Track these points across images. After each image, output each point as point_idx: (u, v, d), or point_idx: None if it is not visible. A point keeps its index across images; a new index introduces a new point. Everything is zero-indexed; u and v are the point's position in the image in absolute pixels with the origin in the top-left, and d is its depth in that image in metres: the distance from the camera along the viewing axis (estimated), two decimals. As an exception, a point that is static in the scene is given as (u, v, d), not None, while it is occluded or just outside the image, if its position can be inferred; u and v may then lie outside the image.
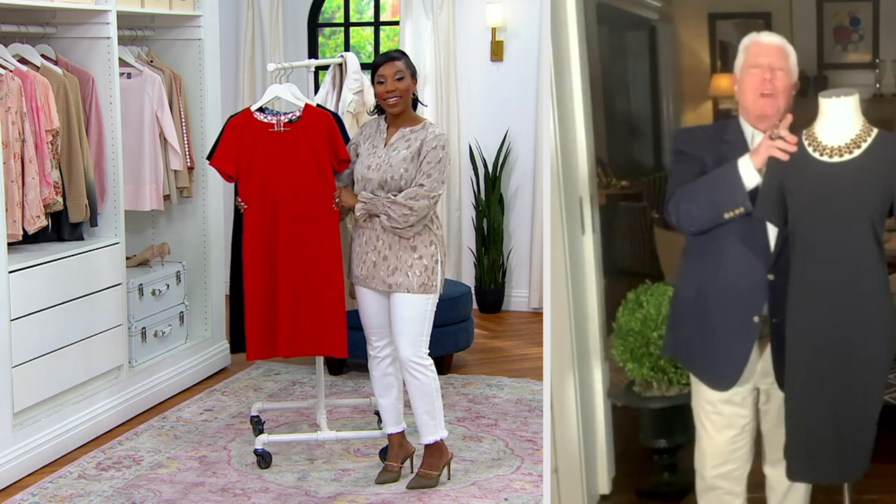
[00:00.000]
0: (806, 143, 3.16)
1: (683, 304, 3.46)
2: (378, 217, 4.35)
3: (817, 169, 3.14)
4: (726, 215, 3.24)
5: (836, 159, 3.13)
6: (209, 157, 4.64)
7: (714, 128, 3.43)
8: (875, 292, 3.13)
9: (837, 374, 3.17)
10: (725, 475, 3.46)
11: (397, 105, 4.37)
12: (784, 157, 3.13)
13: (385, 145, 4.41)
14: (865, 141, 3.12)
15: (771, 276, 3.27)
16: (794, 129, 3.22)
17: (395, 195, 4.32)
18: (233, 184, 4.60)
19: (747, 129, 3.33)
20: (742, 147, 3.29)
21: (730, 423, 3.42)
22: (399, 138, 4.39)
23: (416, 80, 4.43)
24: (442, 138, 4.37)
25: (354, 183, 4.48)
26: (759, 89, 3.25)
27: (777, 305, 3.27)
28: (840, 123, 3.15)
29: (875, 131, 3.14)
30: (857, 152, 3.12)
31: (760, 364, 3.38)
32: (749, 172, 3.19)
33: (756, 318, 3.30)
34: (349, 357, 4.74)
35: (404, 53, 4.46)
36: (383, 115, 4.49)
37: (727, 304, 3.32)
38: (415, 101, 4.49)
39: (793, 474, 3.30)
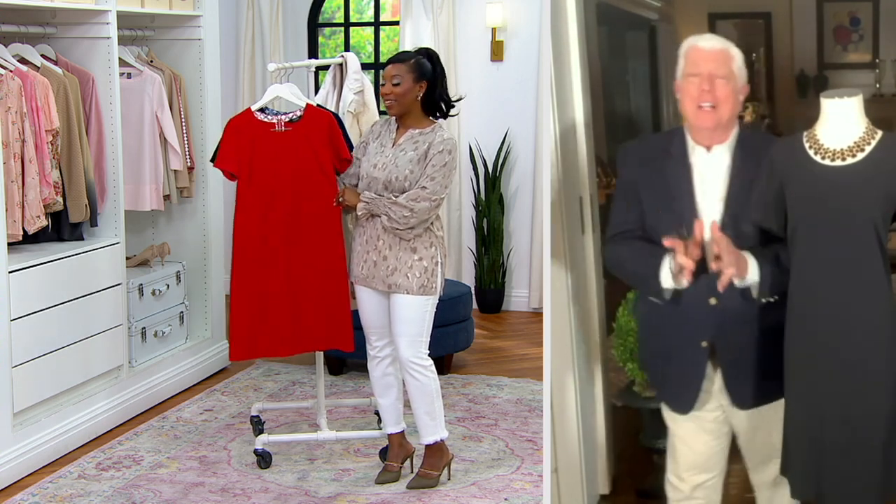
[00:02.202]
0: (807, 145, 3.06)
1: (644, 328, 3.43)
2: (379, 217, 4.35)
3: (819, 173, 3.02)
4: (650, 297, 3.23)
5: (838, 163, 3.01)
6: (213, 160, 4.62)
7: (661, 139, 3.30)
8: (878, 296, 3.01)
9: (840, 381, 3.05)
10: (702, 485, 3.39)
11: (392, 108, 4.36)
12: (688, 274, 3.06)
13: (393, 145, 4.40)
14: (869, 144, 3.00)
15: (713, 301, 3.18)
16: (796, 130, 3.19)
17: (396, 196, 4.31)
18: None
19: (689, 143, 3.18)
20: (682, 162, 3.17)
21: (702, 428, 3.36)
22: (407, 139, 4.38)
23: (425, 82, 4.34)
24: (450, 143, 4.35)
25: (359, 180, 4.48)
26: (698, 101, 3.08)
27: (720, 329, 3.20)
28: (843, 125, 3.03)
29: (879, 134, 3.02)
30: (860, 156, 3.00)
31: (718, 384, 3.30)
32: (667, 277, 3.12)
33: (704, 343, 3.23)
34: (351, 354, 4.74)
35: (417, 54, 4.38)
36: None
37: (677, 330, 3.26)
38: (434, 103, 4.39)
39: (796, 491, 3.20)
